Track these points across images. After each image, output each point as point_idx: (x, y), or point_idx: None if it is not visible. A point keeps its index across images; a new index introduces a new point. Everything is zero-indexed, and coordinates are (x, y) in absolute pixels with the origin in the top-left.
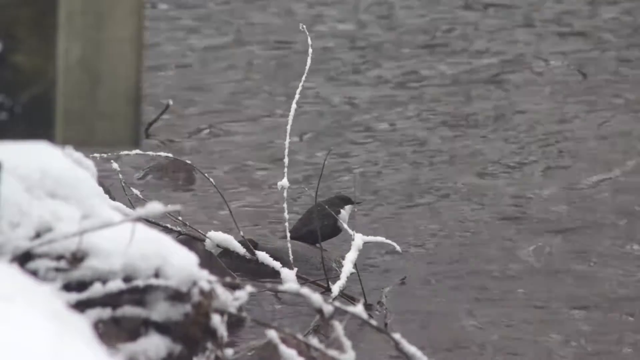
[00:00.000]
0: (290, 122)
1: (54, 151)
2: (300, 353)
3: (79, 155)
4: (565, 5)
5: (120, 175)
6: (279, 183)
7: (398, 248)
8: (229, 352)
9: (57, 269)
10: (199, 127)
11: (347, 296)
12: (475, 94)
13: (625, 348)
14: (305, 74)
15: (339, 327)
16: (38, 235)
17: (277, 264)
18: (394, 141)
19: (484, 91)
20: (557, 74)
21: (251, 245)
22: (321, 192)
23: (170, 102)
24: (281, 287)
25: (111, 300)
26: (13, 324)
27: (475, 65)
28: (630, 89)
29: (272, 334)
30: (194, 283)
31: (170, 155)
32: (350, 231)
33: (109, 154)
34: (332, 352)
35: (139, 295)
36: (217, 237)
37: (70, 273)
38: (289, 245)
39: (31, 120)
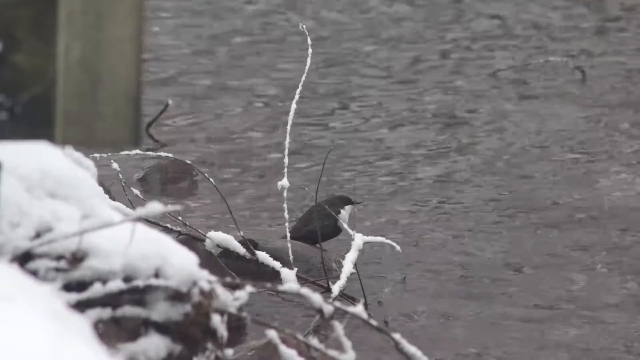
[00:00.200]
0: (290, 122)
1: (54, 151)
2: (300, 353)
3: (79, 155)
4: None
5: (120, 175)
6: (279, 183)
7: (398, 248)
8: (229, 352)
9: (57, 269)
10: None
11: (347, 296)
12: None
13: None
14: (305, 74)
15: (339, 327)
16: (38, 235)
17: (277, 264)
18: None
19: None
20: None
21: (251, 245)
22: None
23: (170, 102)
24: (281, 287)
25: (111, 300)
26: (13, 324)
27: None
28: None
29: (272, 334)
30: (194, 283)
31: (170, 155)
32: (350, 231)
33: (109, 154)
34: (332, 352)
35: (139, 295)
36: (217, 237)
37: (70, 273)
38: (289, 245)
39: (31, 120)
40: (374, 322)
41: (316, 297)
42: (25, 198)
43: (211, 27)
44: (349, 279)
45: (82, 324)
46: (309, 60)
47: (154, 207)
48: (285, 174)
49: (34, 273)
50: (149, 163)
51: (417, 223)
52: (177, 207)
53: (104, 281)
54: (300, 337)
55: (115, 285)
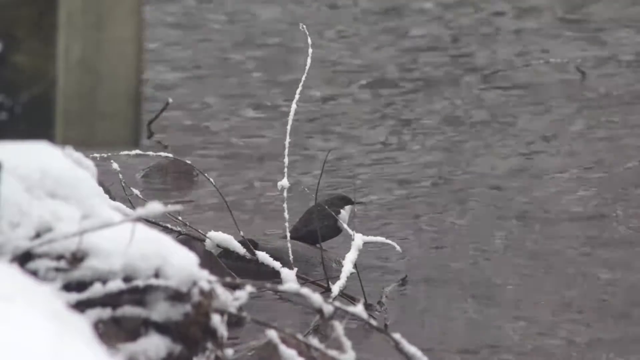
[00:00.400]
0: (290, 122)
1: (54, 151)
2: (300, 353)
3: (79, 155)
4: None
5: (120, 176)
6: (279, 183)
7: (398, 248)
8: (229, 352)
9: (57, 269)
10: None
11: (347, 296)
12: None
13: None
14: (305, 74)
15: (339, 327)
16: (38, 235)
17: (277, 264)
18: None
19: None
20: None
21: (251, 245)
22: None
23: (170, 100)
24: (281, 287)
25: (111, 300)
26: (13, 324)
27: None
28: None
29: (272, 334)
30: (194, 283)
31: (170, 155)
32: (350, 231)
33: (109, 153)
34: (332, 352)
35: (139, 295)
36: (217, 237)
37: (70, 273)
38: (289, 245)
39: (31, 120)
40: (374, 322)
41: (316, 297)
42: (25, 198)
43: None
44: (349, 278)
45: (82, 324)
46: (309, 60)
47: (154, 207)
48: (285, 174)
49: (34, 273)
50: (150, 163)
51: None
52: (177, 207)
53: (104, 281)
54: (300, 337)
55: (115, 285)
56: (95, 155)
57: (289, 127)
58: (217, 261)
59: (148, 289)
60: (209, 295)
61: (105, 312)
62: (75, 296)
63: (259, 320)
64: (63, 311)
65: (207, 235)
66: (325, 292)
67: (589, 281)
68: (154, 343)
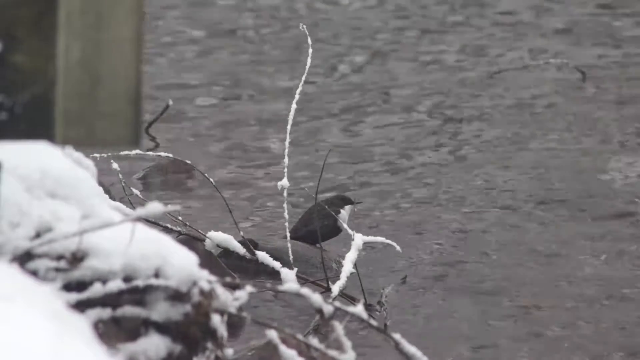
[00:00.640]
0: (290, 121)
1: (54, 151)
2: (300, 353)
3: (79, 155)
4: None
5: (120, 175)
6: (279, 183)
7: (398, 248)
8: (229, 352)
9: (57, 269)
10: None
11: (347, 296)
12: None
13: None
14: (305, 74)
15: (339, 327)
16: (38, 235)
17: (277, 264)
18: None
19: None
20: None
21: (251, 245)
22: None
23: (170, 102)
24: (281, 287)
25: (111, 300)
26: (13, 324)
27: None
28: None
29: (272, 334)
30: (194, 283)
31: (170, 155)
32: (350, 231)
33: (109, 153)
34: (332, 352)
35: (139, 295)
36: (217, 237)
37: (70, 273)
38: (289, 245)
39: (31, 120)
40: (374, 322)
41: (316, 297)
42: (25, 198)
43: None
44: (349, 278)
45: (82, 324)
46: (309, 60)
47: (154, 207)
48: (285, 174)
49: (34, 273)
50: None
51: None
52: (177, 207)
53: (104, 281)
54: (300, 337)
55: (115, 285)
56: (95, 155)
57: (288, 127)
58: (217, 261)
59: (148, 289)
60: (209, 295)
61: (105, 312)
62: (75, 296)
63: (259, 320)
64: (63, 311)
65: (207, 235)
66: (325, 292)
67: None
68: (154, 343)
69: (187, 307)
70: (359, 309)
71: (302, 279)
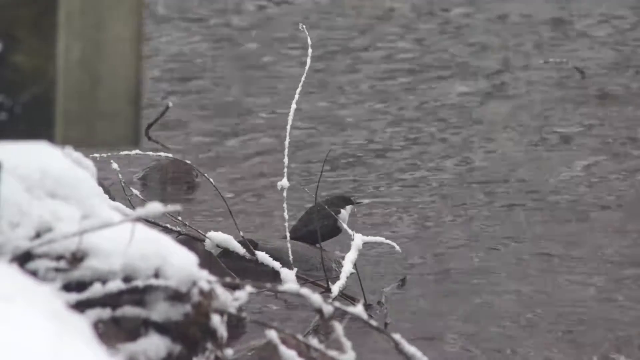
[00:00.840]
0: (290, 121)
1: (54, 151)
2: (300, 353)
3: (79, 155)
4: None
5: (120, 175)
6: (279, 183)
7: (398, 248)
8: (229, 352)
9: (57, 269)
10: None
11: (347, 296)
12: None
13: None
14: (304, 74)
15: (339, 327)
16: (38, 235)
17: (277, 264)
18: None
19: None
20: None
21: (251, 245)
22: None
23: (170, 104)
24: (281, 287)
25: (111, 300)
26: (13, 324)
27: None
28: None
29: (272, 334)
30: (194, 283)
31: (170, 155)
32: (350, 231)
33: (109, 153)
34: (332, 352)
35: (138, 295)
36: (217, 237)
37: (70, 273)
38: (289, 245)
39: (31, 120)
40: (374, 323)
41: (316, 297)
42: (25, 198)
43: None
44: (349, 279)
45: (82, 324)
46: (308, 60)
47: (154, 207)
48: (285, 174)
49: (34, 273)
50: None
51: None
52: (177, 207)
53: (104, 281)
54: (300, 337)
55: (115, 285)
56: (95, 155)
57: (288, 127)
58: (217, 261)
59: (148, 289)
60: (208, 295)
61: (105, 312)
62: (75, 296)
63: (259, 320)
64: (63, 311)
65: (207, 235)
66: (325, 292)
67: None
68: (154, 343)
69: (187, 307)
70: (359, 309)
71: (302, 279)
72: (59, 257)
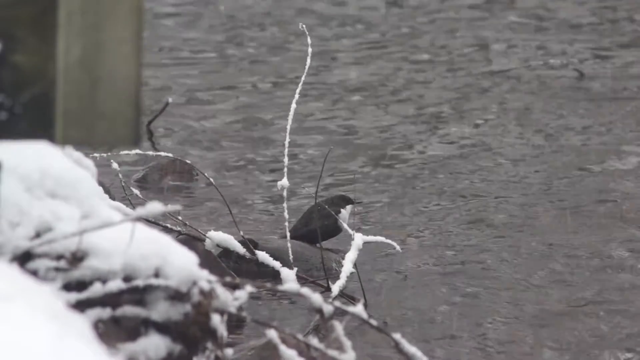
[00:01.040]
0: (290, 122)
1: (54, 151)
2: (300, 353)
3: (79, 155)
4: None
5: (120, 175)
6: (279, 183)
7: (398, 248)
8: (229, 352)
9: (57, 269)
10: None
11: (347, 296)
12: None
13: None
14: (304, 74)
15: (339, 327)
16: (38, 235)
17: (277, 264)
18: None
19: None
20: None
21: (251, 245)
22: None
23: (170, 100)
24: (281, 287)
25: (111, 300)
26: (13, 324)
27: None
28: None
29: (272, 334)
30: (194, 283)
31: (170, 155)
32: (350, 231)
33: (109, 153)
34: (332, 352)
35: (139, 295)
36: (217, 237)
37: (70, 273)
38: (289, 245)
39: (31, 120)
40: (373, 322)
41: (316, 297)
42: (25, 198)
43: None
44: (349, 278)
45: (82, 324)
46: (308, 60)
47: (154, 207)
48: (285, 174)
49: (34, 273)
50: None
51: None
52: (177, 207)
53: (104, 281)
54: (300, 337)
55: (115, 285)
56: (95, 155)
57: (288, 127)
58: (217, 261)
59: (148, 288)
60: (208, 295)
61: (105, 312)
62: (75, 296)
63: (259, 320)
64: (63, 311)
65: (207, 235)
66: (325, 292)
67: None
68: (154, 343)
69: (187, 307)
70: (358, 309)
71: (302, 279)
72: (59, 257)
